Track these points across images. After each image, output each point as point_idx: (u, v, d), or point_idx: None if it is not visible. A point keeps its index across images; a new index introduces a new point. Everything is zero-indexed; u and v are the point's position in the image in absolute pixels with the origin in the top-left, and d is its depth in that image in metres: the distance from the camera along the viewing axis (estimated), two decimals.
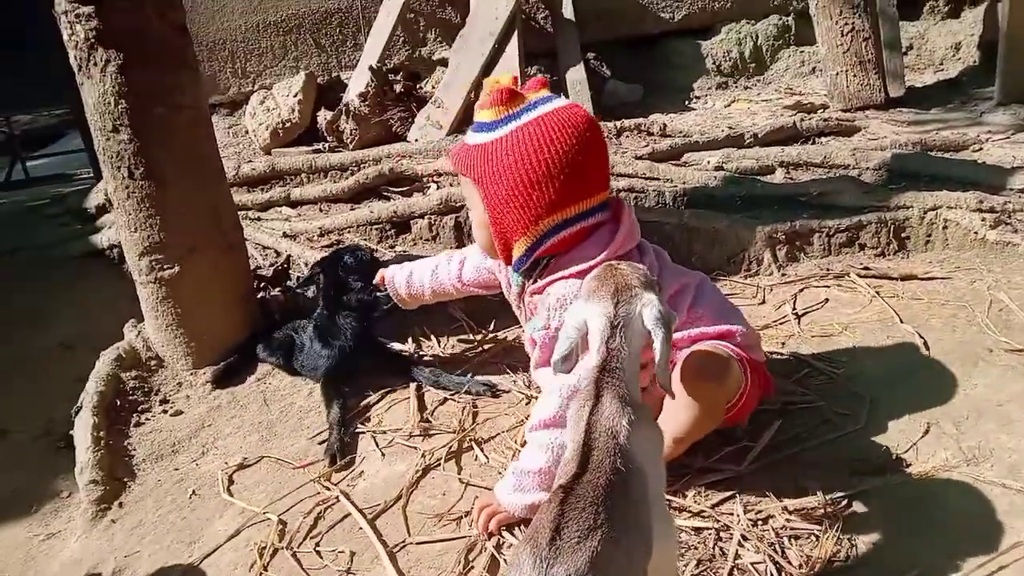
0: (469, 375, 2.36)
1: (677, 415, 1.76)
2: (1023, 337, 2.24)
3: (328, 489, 2.05)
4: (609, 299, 1.36)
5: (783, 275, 2.81)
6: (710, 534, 1.70)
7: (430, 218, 3.15)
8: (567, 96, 4.18)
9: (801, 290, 2.69)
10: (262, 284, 3.00)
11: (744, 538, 1.69)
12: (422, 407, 2.33)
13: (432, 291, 2.32)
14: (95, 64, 2.19)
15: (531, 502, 1.72)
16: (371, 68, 4.02)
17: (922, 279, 2.64)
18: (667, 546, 1.34)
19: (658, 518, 1.30)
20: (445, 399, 2.35)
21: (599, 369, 1.35)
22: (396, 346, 2.64)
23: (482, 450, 2.10)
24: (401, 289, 2.36)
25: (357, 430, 2.28)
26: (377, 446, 2.19)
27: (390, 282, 2.38)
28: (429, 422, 2.26)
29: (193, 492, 2.13)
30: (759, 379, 1.93)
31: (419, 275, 2.33)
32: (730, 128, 3.68)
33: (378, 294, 2.44)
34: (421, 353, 2.63)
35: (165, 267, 2.50)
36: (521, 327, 2.13)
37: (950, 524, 1.67)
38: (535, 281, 1.85)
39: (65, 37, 2.20)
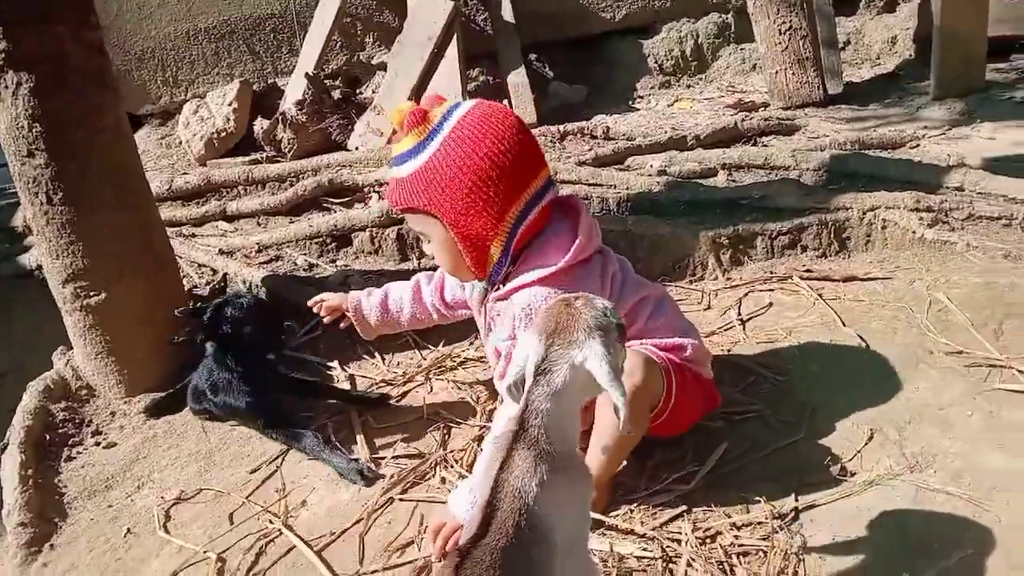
0: (354, 462, 2.11)
1: (600, 421, 1.76)
2: (962, 337, 2.27)
3: (271, 522, 1.99)
4: (542, 341, 1.28)
5: (728, 279, 2.82)
6: (657, 560, 1.68)
7: (371, 231, 3.09)
8: (510, 100, 4.14)
9: (746, 294, 2.70)
10: (198, 304, 2.89)
11: (692, 560, 1.67)
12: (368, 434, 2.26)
13: (412, 315, 2.18)
14: (6, 87, 2.08)
15: None
16: (307, 75, 3.92)
17: (863, 280, 2.66)
18: None
19: (579, 571, 1.27)
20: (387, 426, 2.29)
21: (516, 420, 1.27)
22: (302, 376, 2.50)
23: (436, 473, 2.06)
24: (372, 316, 2.20)
25: (300, 461, 2.21)
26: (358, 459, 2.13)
27: (355, 309, 2.21)
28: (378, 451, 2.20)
29: (128, 530, 2.04)
30: (702, 393, 1.93)
31: (396, 298, 2.19)
32: (673, 129, 3.68)
33: (287, 324, 2.33)
34: (339, 375, 2.54)
35: (91, 294, 2.39)
36: (480, 339, 2.08)
37: (896, 534, 1.67)
38: (497, 288, 1.81)
39: None
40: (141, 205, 2.44)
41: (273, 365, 2.38)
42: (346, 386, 2.50)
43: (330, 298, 2.26)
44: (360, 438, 2.24)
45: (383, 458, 2.17)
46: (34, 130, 2.13)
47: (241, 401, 2.28)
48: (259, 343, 2.29)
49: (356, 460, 2.13)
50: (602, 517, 1.78)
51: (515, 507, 1.21)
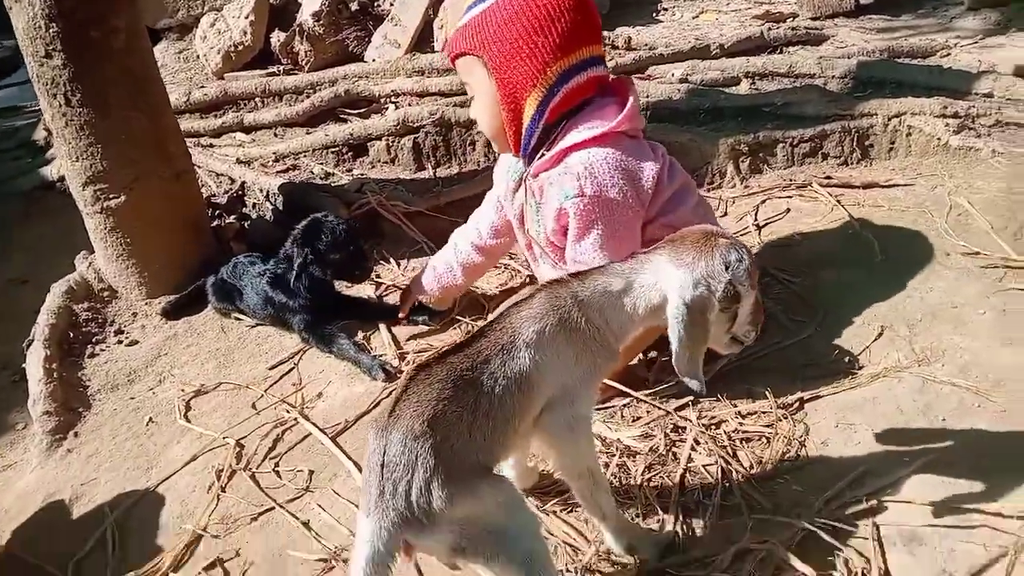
0: (377, 359, 2.16)
1: None
2: (981, 241, 2.24)
3: (287, 411, 2.04)
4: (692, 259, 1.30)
5: (746, 187, 2.78)
6: (663, 440, 1.71)
7: (387, 139, 3.07)
8: None
9: (763, 201, 2.67)
10: (217, 212, 2.93)
11: (696, 442, 1.70)
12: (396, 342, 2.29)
13: (462, 268, 2.21)
14: None
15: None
16: None
17: (884, 187, 2.62)
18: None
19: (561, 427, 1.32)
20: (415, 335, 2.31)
21: (562, 279, 1.33)
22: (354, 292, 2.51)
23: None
24: (434, 288, 2.25)
25: (317, 358, 2.27)
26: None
27: (418, 288, 2.28)
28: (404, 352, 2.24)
29: (150, 419, 2.12)
30: None
31: (443, 263, 2.23)
32: (696, 40, 3.58)
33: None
34: (380, 294, 2.54)
35: (111, 196, 2.42)
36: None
37: (898, 423, 1.69)
38: (542, 156, 1.79)
39: None
40: (157, 110, 2.44)
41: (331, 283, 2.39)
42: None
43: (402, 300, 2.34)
44: (387, 338, 2.28)
45: (407, 353, 2.22)
46: (51, 30, 2.13)
47: (296, 304, 2.31)
48: (343, 266, 2.29)
49: (379, 357, 2.16)
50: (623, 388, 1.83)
51: (500, 340, 1.27)
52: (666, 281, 1.29)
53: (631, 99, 1.75)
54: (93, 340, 2.45)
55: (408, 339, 2.28)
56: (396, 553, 1.19)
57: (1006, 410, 1.67)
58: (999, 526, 1.42)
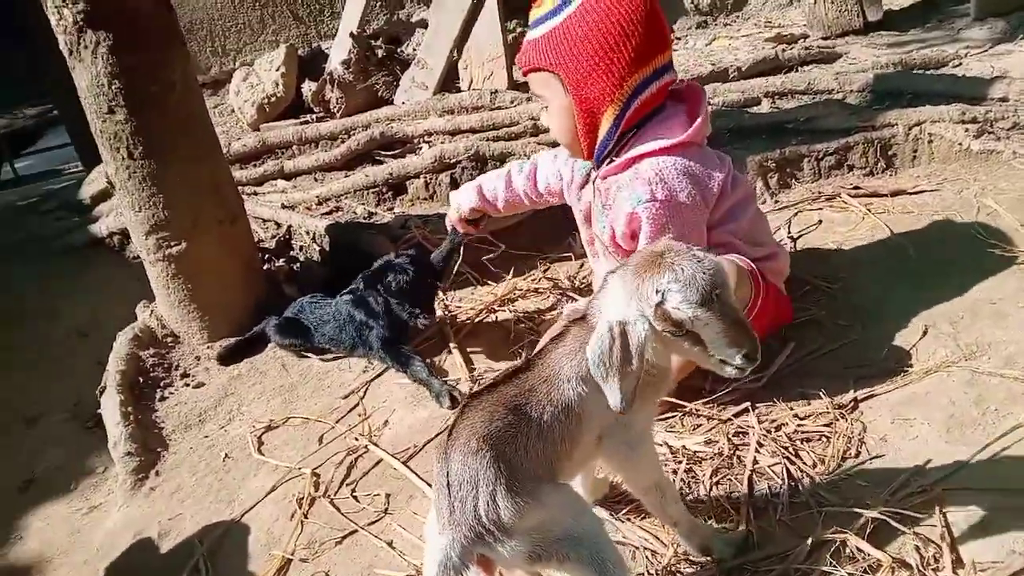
0: (447, 386, 2.24)
1: None
2: (1012, 239, 2.31)
3: (357, 439, 2.13)
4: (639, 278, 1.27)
5: (776, 202, 2.87)
6: (726, 444, 1.78)
7: (425, 177, 3.19)
8: None
9: (795, 214, 2.76)
10: (266, 256, 3.05)
11: (760, 444, 1.77)
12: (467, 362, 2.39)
13: (506, 201, 2.28)
14: (85, 47, 2.21)
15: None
16: (352, 35, 4.01)
17: (911, 193, 2.70)
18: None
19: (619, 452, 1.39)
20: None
21: (581, 311, 1.38)
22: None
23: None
24: (475, 202, 2.30)
25: (380, 386, 2.36)
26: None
27: (457, 204, 2.35)
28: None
29: (226, 455, 2.21)
30: (779, 306, 2.02)
31: (490, 186, 2.29)
32: (713, 65, 3.71)
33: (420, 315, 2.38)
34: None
35: (172, 244, 2.54)
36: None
37: (953, 415, 1.75)
38: (611, 161, 1.86)
39: (53, 22, 2.22)
40: (211, 157, 2.58)
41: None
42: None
43: (454, 216, 2.39)
44: (459, 360, 2.37)
45: (482, 377, 2.30)
46: (113, 86, 2.26)
47: (377, 324, 2.41)
48: (413, 301, 2.38)
49: (448, 383, 2.25)
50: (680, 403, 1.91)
51: (543, 374, 1.35)
52: (611, 305, 1.29)
53: (701, 113, 1.83)
54: (162, 384, 2.56)
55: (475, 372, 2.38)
56: (469, 565, 1.25)
57: None
58: None
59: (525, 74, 1.91)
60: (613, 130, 1.82)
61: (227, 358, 2.62)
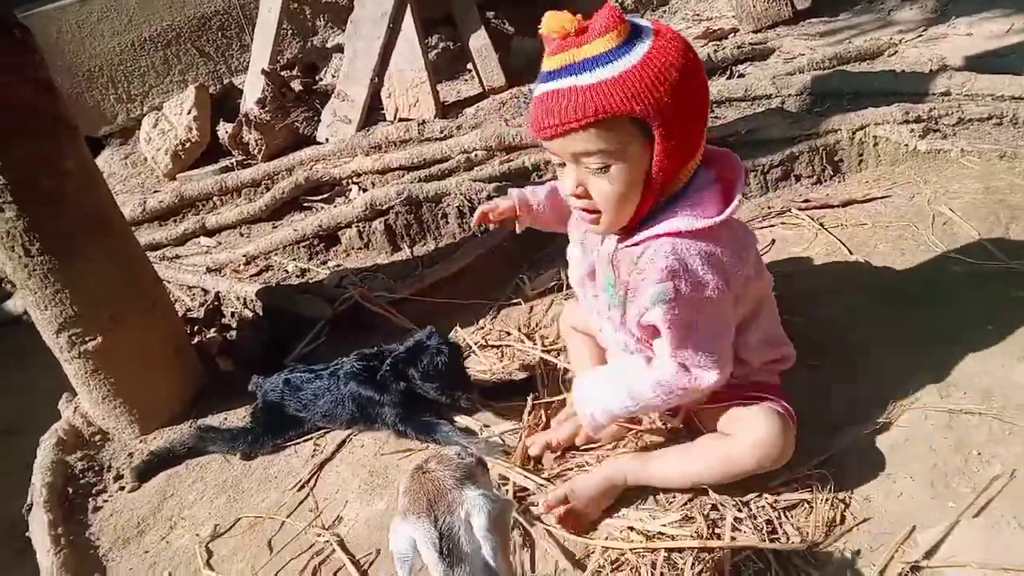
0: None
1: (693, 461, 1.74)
2: (972, 250, 2.24)
3: (320, 535, 1.97)
4: (427, 517, 1.23)
5: None
6: (703, 523, 1.67)
7: (358, 225, 3.01)
8: (474, 65, 4.02)
9: None
10: (196, 328, 2.85)
11: (737, 519, 1.66)
12: None
13: (551, 206, 1.95)
14: None
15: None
16: (264, 71, 3.79)
17: (862, 202, 2.62)
18: None
19: None
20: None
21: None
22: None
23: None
24: (528, 198, 1.96)
25: (327, 477, 2.20)
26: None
27: (522, 205, 1.98)
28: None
29: (169, 575, 2.03)
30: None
31: (537, 194, 1.96)
32: None
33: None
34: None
35: (87, 339, 2.33)
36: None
37: (936, 464, 1.67)
38: (634, 234, 1.57)
39: None
40: (121, 244, 2.36)
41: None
42: None
43: (501, 204, 2.00)
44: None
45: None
46: None
47: (388, 399, 2.23)
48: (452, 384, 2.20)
49: (485, 437, 2.08)
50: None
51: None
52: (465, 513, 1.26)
53: (738, 190, 1.55)
54: (94, 492, 2.35)
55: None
56: None
57: None
58: None
59: (561, 133, 1.44)
60: (686, 187, 1.53)
61: (146, 475, 2.37)
